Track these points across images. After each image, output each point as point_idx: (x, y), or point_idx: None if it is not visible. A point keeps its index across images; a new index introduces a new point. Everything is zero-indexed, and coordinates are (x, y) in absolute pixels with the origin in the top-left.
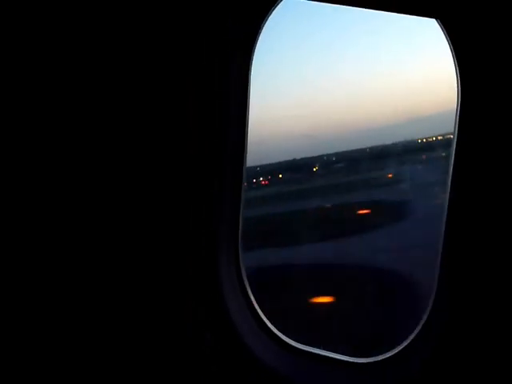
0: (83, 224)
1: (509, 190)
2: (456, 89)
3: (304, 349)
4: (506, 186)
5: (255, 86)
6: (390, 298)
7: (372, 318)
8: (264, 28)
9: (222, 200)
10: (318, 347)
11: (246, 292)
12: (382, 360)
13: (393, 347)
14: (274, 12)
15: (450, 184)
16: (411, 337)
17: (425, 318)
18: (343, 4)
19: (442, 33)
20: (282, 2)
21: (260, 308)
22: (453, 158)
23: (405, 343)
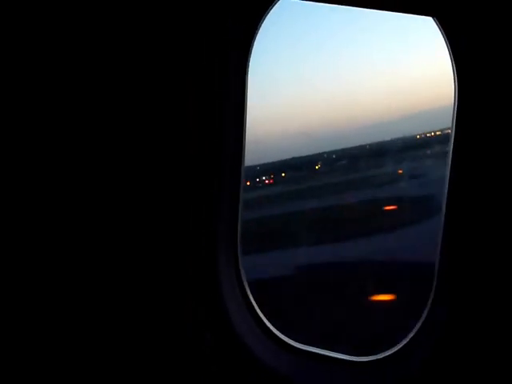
0: (82, 224)
1: (508, 185)
2: (453, 85)
3: (303, 348)
4: (504, 181)
5: (253, 85)
6: None
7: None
8: (261, 28)
9: (220, 199)
10: None
11: (245, 292)
12: (382, 359)
13: None
14: (271, 12)
15: (448, 180)
16: (411, 335)
17: (424, 316)
18: (340, 4)
19: (439, 30)
20: (278, 2)
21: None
22: (450, 153)
23: (404, 341)
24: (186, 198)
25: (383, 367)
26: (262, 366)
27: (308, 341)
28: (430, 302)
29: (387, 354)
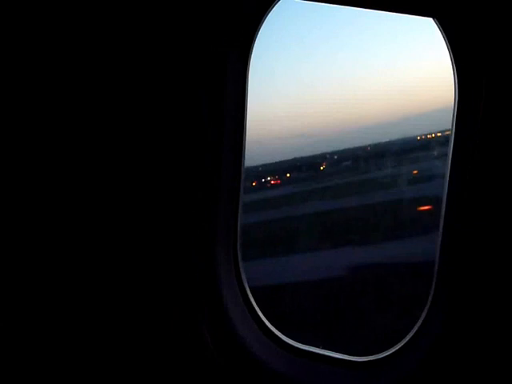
0: (82, 224)
1: (508, 185)
2: (453, 86)
3: (303, 348)
4: (504, 181)
5: (253, 86)
6: None
7: None
8: (261, 28)
9: (220, 199)
10: None
11: (245, 291)
12: (381, 359)
13: None
14: (271, 12)
15: (447, 182)
16: (409, 335)
17: (423, 316)
18: (340, 4)
19: (439, 31)
20: (279, 2)
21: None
22: (450, 153)
23: (403, 342)
24: (184, 197)
25: (383, 367)
26: (262, 366)
27: None
28: (428, 302)
29: (386, 354)
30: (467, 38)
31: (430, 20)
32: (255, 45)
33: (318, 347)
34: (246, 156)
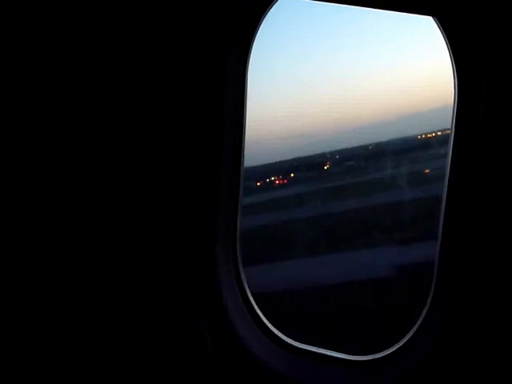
0: (82, 224)
1: (508, 185)
2: (453, 85)
3: (303, 347)
4: (504, 181)
5: (252, 86)
6: None
7: None
8: (261, 27)
9: (220, 199)
10: None
11: (245, 291)
12: (381, 358)
13: None
14: (270, 11)
15: (447, 181)
16: (409, 335)
17: (422, 316)
18: (339, 3)
19: (439, 30)
20: (278, 2)
21: None
22: (450, 153)
23: (403, 341)
24: (186, 198)
25: (383, 367)
26: (262, 366)
27: None
28: (428, 302)
29: (386, 353)
30: (467, 37)
31: (430, 19)
32: (255, 45)
33: None
34: (246, 156)
